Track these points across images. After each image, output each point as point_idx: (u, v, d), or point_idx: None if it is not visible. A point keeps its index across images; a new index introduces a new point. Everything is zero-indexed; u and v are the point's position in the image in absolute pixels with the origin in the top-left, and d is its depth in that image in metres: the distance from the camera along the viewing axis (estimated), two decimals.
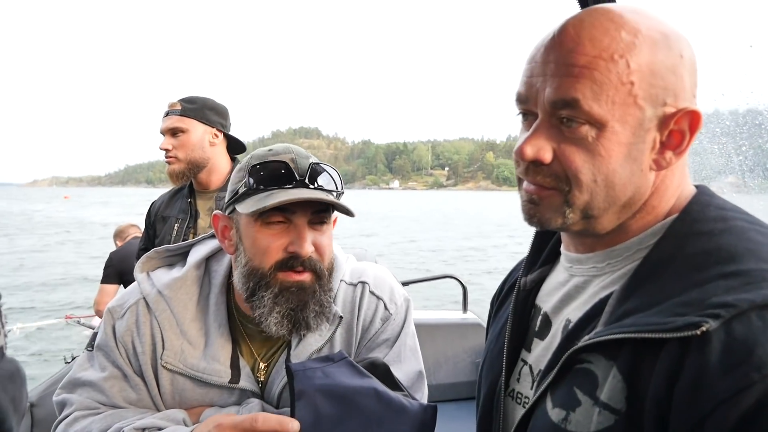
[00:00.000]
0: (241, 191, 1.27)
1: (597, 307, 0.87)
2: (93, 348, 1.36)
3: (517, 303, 1.08)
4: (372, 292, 1.41)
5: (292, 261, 1.24)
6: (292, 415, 1.16)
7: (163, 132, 2.66)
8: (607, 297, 0.86)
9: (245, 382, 1.30)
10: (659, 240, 0.86)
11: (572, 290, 0.97)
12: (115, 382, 1.30)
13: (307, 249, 1.23)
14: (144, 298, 1.35)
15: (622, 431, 0.76)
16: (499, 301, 1.22)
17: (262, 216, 1.24)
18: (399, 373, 1.31)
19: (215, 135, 2.68)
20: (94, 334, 1.39)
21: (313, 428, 1.15)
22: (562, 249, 1.03)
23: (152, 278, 1.39)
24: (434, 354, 3.49)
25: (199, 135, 2.64)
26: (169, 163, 2.65)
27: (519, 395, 1.02)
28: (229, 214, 1.31)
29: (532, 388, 0.99)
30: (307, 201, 1.22)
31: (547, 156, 0.85)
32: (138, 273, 1.41)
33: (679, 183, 0.90)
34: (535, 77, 0.86)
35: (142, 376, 1.31)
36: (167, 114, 2.66)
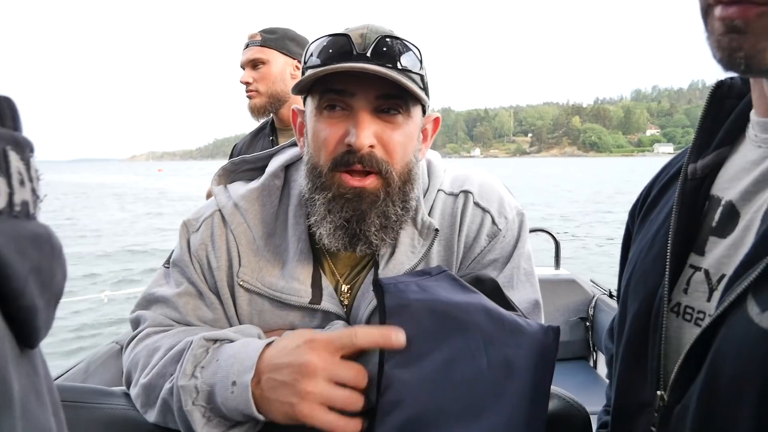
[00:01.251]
0: (301, 72, 1.09)
1: None
2: (169, 264, 1.25)
3: (683, 195, 0.84)
4: (477, 203, 1.19)
5: (348, 156, 1.04)
6: None
7: (243, 65, 2.54)
8: None
9: (327, 303, 1.14)
10: None
11: None
12: (189, 300, 1.18)
13: (363, 140, 1.02)
14: (220, 211, 1.22)
15: None
16: (646, 206, 0.98)
17: (322, 100, 1.06)
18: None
19: (296, 67, 2.54)
20: (172, 252, 1.27)
21: (408, 349, 0.97)
22: (755, 117, 0.79)
23: (229, 190, 1.25)
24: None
25: (280, 66, 2.51)
26: (249, 97, 2.53)
27: (688, 310, 0.80)
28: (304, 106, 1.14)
29: (709, 300, 0.77)
30: (369, 77, 1.00)
31: None
32: (214, 185, 1.28)
33: None
34: None
35: (218, 294, 1.18)
36: (247, 45, 2.53)
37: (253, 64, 2.50)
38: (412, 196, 1.12)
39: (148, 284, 1.26)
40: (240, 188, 1.24)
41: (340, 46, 1.05)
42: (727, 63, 0.67)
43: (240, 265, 1.17)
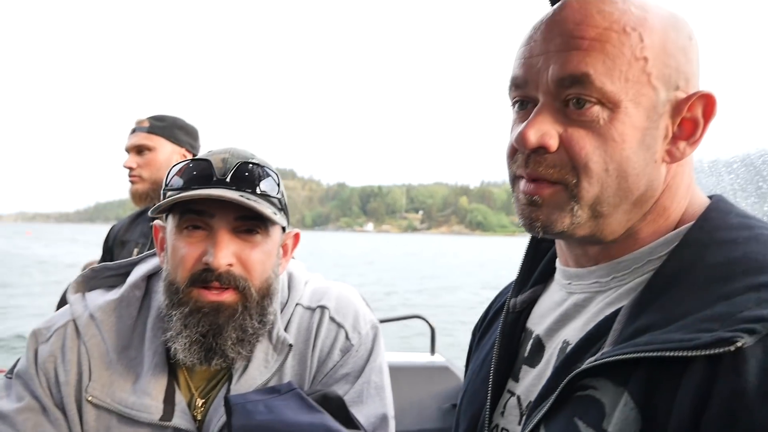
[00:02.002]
0: (162, 192, 1.14)
1: (602, 326, 0.76)
2: (12, 375, 1.19)
3: (505, 326, 0.95)
4: (332, 318, 1.26)
5: (205, 274, 1.09)
6: None
7: (128, 149, 2.52)
8: (614, 314, 0.75)
9: (179, 419, 1.14)
10: (675, 248, 0.76)
11: (570, 309, 0.86)
12: (31, 416, 1.13)
13: (221, 260, 1.07)
14: (74, 321, 1.20)
15: None
16: (483, 327, 1.10)
17: (182, 220, 1.11)
18: (359, 415, 1.17)
19: (183, 156, 2.55)
20: (18, 360, 1.21)
21: None
22: (559, 265, 0.92)
23: (86, 299, 1.23)
24: (399, 399, 3.29)
25: (167, 154, 2.51)
26: (132, 182, 2.51)
27: (504, 431, 0.89)
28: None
29: (519, 423, 0.86)
30: (227, 201, 1.07)
31: (553, 142, 0.75)
32: (71, 293, 1.25)
33: (690, 184, 0.82)
34: (535, 57, 0.77)
35: (64, 410, 1.15)
36: (134, 131, 2.52)
37: (139, 149, 2.49)
38: (270, 310, 1.17)
39: None
40: (98, 298, 1.23)
41: (201, 170, 1.12)
42: (528, 228, 0.81)
43: (90, 379, 1.15)
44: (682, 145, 0.77)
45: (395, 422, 3.37)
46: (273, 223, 1.15)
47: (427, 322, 3.86)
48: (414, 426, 3.30)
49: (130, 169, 2.49)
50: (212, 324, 1.09)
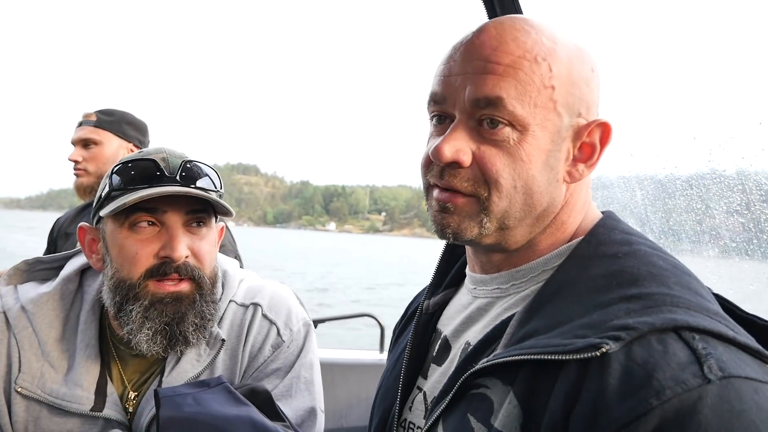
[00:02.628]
0: (104, 195, 1.16)
1: (498, 329, 0.83)
2: None
3: (417, 327, 1.02)
4: (265, 315, 1.30)
5: (164, 267, 1.14)
6: None
7: (74, 142, 2.50)
8: (509, 318, 0.82)
9: (110, 410, 1.16)
10: (564, 261, 0.84)
11: (474, 312, 0.93)
12: None
13: (181, 252, 1.13)
14: (4, 313, 1.21)
15: None
16: (400, 327, 1.16)
17: (129, 219, 1.14)
18: (286, 408, 1.21)
19: (131, 151, 2.54)
20: None
21: None
22: (468, 271, 0.99)
23: (18, 292, 1.24)
24: (348, 396, 3.36)
25: (114, 149, 2.50)
26: (77, 175, 2.49)
27: (411, 425, 0.96)
28: (96, 224, 1.20)
29: (425, 418, 0.93)
30: (177, 197, 1.13)
31: (466, 158, 0.82)
32: (3, 285, 1.26)
33: (586, 201, 0.90)
34: (454, 76, 0.83)
35: None
36: (81, 124, 2.50)
37: (85, 143, 2.48)
38: (217, 296, 1.24)
39: None
40: (30, 291, 1.24)
41: (146, 168, 1.15)
42: (440, 234, 0.88)
43: (20, 371, 1.16)
44: (581, 167, 0.85)
45: (345, 418, 3.42)
46: (212, 215, 1.21)
47: (376, 320, 3.92)
48: (363, 422, 3.35)
49: (76, 162, 2.48)
50: (176, 312, 1.15)
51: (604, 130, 0.84)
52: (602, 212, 0.93)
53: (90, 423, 1.16)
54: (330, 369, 3.25)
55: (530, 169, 0.81)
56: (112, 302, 1.17)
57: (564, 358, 0.69)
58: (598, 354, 0.67)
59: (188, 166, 1.18)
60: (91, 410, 1.15)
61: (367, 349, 4.00)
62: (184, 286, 1.16)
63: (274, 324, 1.30)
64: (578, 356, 0.68)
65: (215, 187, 1.21)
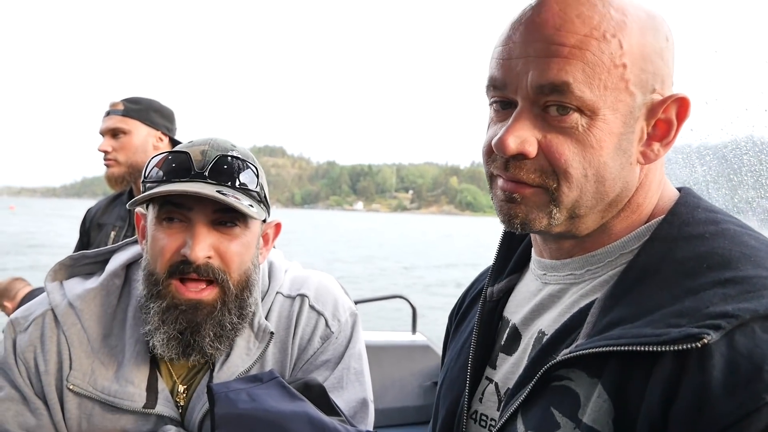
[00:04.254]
0: (141, 184, 1.14)
1: (576, 317, 0.78)
2: None
3: (483, 315, 0.98)
4: (312, 307, 1.27)
5: (183, 266, 1.09)
6: None
7: (103, 132, 2.48)
8: (588, 306, 0.77)
9: (162, 407, 1.15)
10: (645, 243, 0.78)
11: (546, 300, 0.88)
12: (11, 405, 1.14)
13: (198, 252, 1.08)
14: (52, 310, 1.19)
15: None
16: (459, 314, 1.12)
17: (162, 212, 1.11)
18: (339, 400, 1.18)
19: (160, 139, 2.52)
20: None
21: None
22: (534, 255, 0.94)
23: (64, 288, 1.23)
24: (381, 377, 3.37)
25: (143, 137, 2.47)
26: (107, 166, 2.47)
27: (483, 417, 0.91)
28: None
29: (498, 409, 0.89)
30: (195, 196, 1.07)
31: (532, 149, 0.77)
32: (49, 281, 1.24)
33: (661, 180, 0.84)
34: (515, 59, 0.77)
35: (45, 399, 1.15)
36: (108, 113, 2.48)
37: (114, 133, 2.45)
38: (249, 302, 1.18)
39: None
40: (77, 286, 1.22)
41: (179, 162, 1.11)
42: (507, 224, 0.83)
43: (71, 368, 1.15)
44: (656, 146, 0.79)
45: (378, 400, 3.42)
46: (244, 217, 1.14)
47: (408, 302, 3.93)
48: (396, 403, 3.37)
49: (105, 152, 2.46)
50: (190, 322, 1.10)
51: (682, 104, 0.77)
52: (678, 189, 0.86)
53: (143, 419, 1.15)
54: None
55: (601, 156, 0.75)
56: (142, 295, 1.14)
57: (659, 349, 0.64)
58: (699, 345, 0.62)
59: (223, 161, 1.12)
60: (144, 407, 1.14)
61: (400, 330, 4.00)
62: (207, 294, 1.11)
63: (322, 315, 1.27)
64: (675, 347, 0.63)
65: (253, 185, 1.15)
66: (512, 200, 0.80)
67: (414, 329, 3.86)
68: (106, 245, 2.41)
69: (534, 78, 0.74)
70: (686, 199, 0.82)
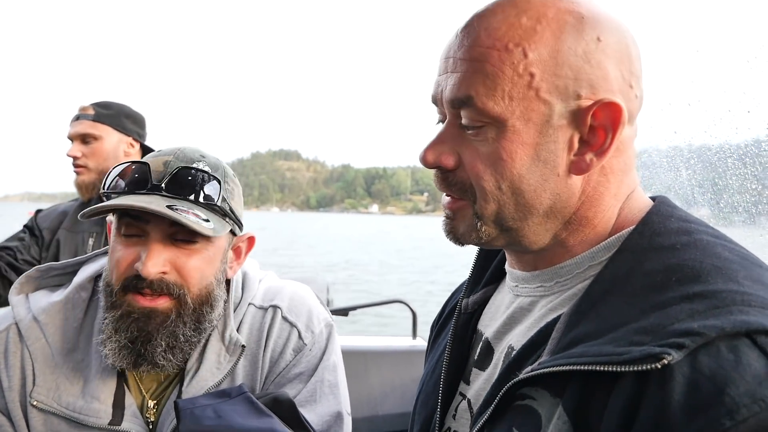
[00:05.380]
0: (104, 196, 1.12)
1: (543, 332, 0.75)
2: None
3: (456, 328, 0.95)
4: (285, 318, 1.24)
5: (136, 281, 1.07)
6: None
7: (72, 137, 2.40)
8: (555, 321, 0.74)
9: (129, 423, 1.13)
10: (614, 255, 0.74)
11: (517, 312, 0.85)
12: None
13: (150, 269, 1.05)
14: (16, 324, 1.17)
15: None
16: (438, 325, 1.08)
17: (120, 225, 1.10)
18: (311, 414, 1.15)
19: (131, 145, 2.45)
20: None
21: None
22: (507, 267, 0.91)
23: (29, 301, 1.21)
24: (381, 383, 3.35)
25: (114, 144, 2.40)
26: (77, 173, 2.39)
27: None
28: None
29: (471, 427, 0.86)
30: (144, 212, 1.04)
31: (450, 162, 0.77)
32: (14, 295, 1.22)
33: (620, 191, 0.79)
34: (440, 76, 0.79)
35: (9, 416, 1.13)
36: (78, 118, 2.40)
37: (83, 138, 2.38)
38: (210, 318, 1.15)
39: None
40: (42, 299, 1.20)
41: (140, 173, 1.09)
42: (447, 238, 0.84)
43: (34, 384, 1.13)
44: (588, 156, 0.74)
45: (380, 406, 3.38)
46: (197, 235, 1.11)
47: (408, 306, 3.90)
48: (397, 409, 3.34)
49: (75, 158, 2.38)
50: (141, 330, 1.08)
51: (611, 109, 0.72)
52: (653, 198, 0.82)
53: None
54: (363, 356, 3.23)
55: (514, 168, 0.73)
56: (102, 306, 1.12)
57: (618, 369, 0.61)
58: (659, 366, 0.58)
59: (184, 173, 1.10)
60: (109, 424, 1.11)
61: (400, 335, 3.98)
62: (160, 303, 1.09)
63: (295, 327, 1.24)
64: (635, 368, 0.60)
65: (215, 199, 1.12)
66: (448, 216, 0.82)
67: (414, 334, 3.84)
68: (85, 252, 2.36)
69: (446, 94, 0.76)
70: (659, 208, 0.78)
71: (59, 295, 1.21)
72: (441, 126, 0.81)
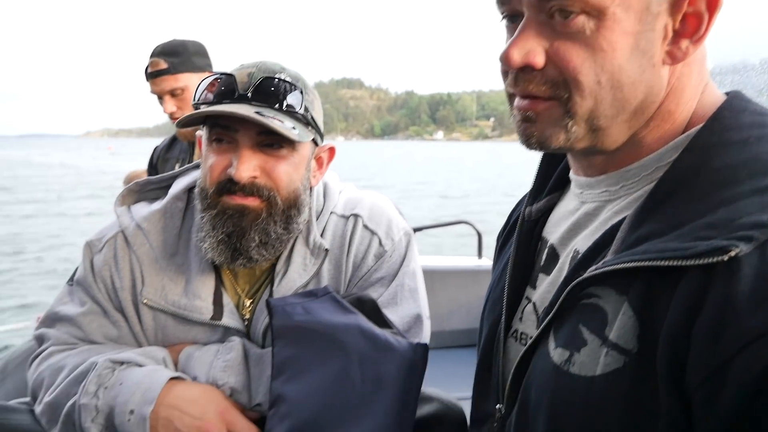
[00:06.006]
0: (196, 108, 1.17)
1: (607, 234, 0.75)
2: (73, 282, 1.31)
3: (521, 235, 0.96)
4: (366, 226, 1.30)
5: (229, 185, 1.14)
6: (273, 354, 1.09)
7: (159, 94, 2.49)
8: (620, 223, 0.74)
9: (228, 319, 1.23)
10: (681, 154, 0.72)
11: (582, 218, 0.85)
12: (95, 318, 1.26)
13: (243, 173, 1.11)
14: (122, 231, 1.29)
15: (632, 374, 0.65)
16: (504, 235, 1.10)
17: (211, 134, 1.16)
18: (393, 316, 1.22)
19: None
20: (77, 268, 1.33)
21: (294, 367, 1.09)
22: (571, 174, 0.91)
23: (132, 211, 1.32)
24: (448, 301, 3.44)
25: (195, 85, 2.50)
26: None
27: (523, 335, 0.92)
28: None
29: (537, 328, 0.88)
30: (236, 117, 1.10)
31: (539, 59, 0.72)
32: (118, 206, 1.33)
33: (699, 82, 0.76)
34: None
35: (123, 312, 1.26)
36: (158, 74, 2.46)
37: (171, 93, 2.47)
38: (297, 220, 1.22)
39: (52, 302, 1.32)
40: (142, 209, 1.31)
41: (226, 85, 1.14)
42: (525, 145, 0.80)
43: (143, 284, 1.25)
44: (684, 43, 0.71)
45: (446, 322, 3.51)
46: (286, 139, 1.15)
47: (473, 227, 3.94)
48: (463, 325, 3.45)
49: (172, 113, 2.48)
50: (236, 226, 1.15)
51: None
52: (726, 93, 0.78)
53: (211, 331, 1.24)
54: (430, 276, 3.35)
55: (615, 59, 0.69)
56: (198, 209, 1.21)
57: (683, 263, 0.60)
58: (726, 258, 0.57)
59: (267, 83, 1.14)
60: (210, 319, 1.23)
61: (466, 255, 4.02)
62: (252, 201, 1.15)
63: (376, 234, 1.30)
64: (701, 261, 0.59)
65: (298, 107, 1.16)
66: (527, 119, 0.77)
67: (480, 254, 3.88)
68: None
69: None
70: (732, 102, 0.74)
71: (157, 204, 1.31)
72: (508, 25, 0.78)
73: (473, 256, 3.89)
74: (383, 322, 1.17)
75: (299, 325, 1.10)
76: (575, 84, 0.71)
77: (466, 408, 1.25)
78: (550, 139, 0.76)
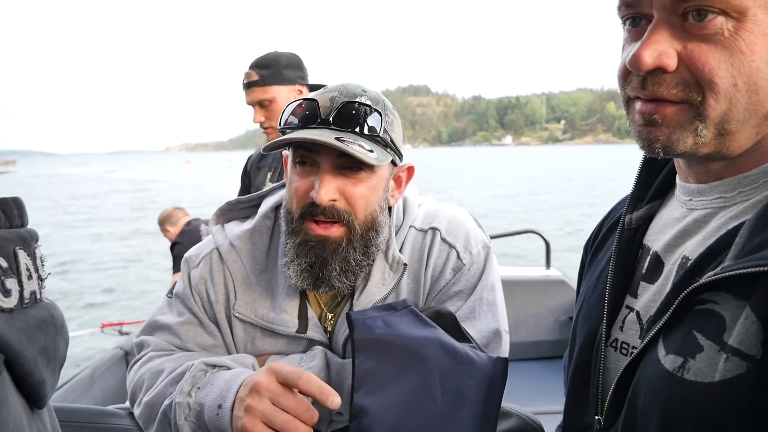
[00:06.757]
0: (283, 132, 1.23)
1: (723, 240, 0.73)
2: (172, 295, 1.40)
3: (621, 243, 0.95)
4: (444, 239, 1.31)
5: (312, 208, 1.18)
6: (354, 366, 1.12)
7: (251, 104, 2.67)
8: (737, 228, 0.72)
9: (312, 332, 1.29)
10: None
11: (691, 225, 0.84)
12: (191, 328, 1.34)
13: (323, 196, 1.15)
14: (217, 249, 1.37)
15: (755, 380, 0.64)
16: (596, 244, 1.09)
17: (296, 156, 1.21)
18: (472, 330, 1.22)
19: (299, 91, 2.68)
20: (176, 282, 1.42)
21: (375, 380, 1.10)
22: (678, 181, 0.89)
23: (225, 230, 1.40)
24: (515, 311, 3.38)
25: (285, 97, 2.63)
26: (267, 133, 2.68)
27: (624, 345, 0.90)
28: None
29: (640, 337, 0.87)
30: (316, 143, 1.14)
31: (672, 61, 0.72)
32: (213, 225, 1.43)
33: None
34: None
35: (217, 323, 1.34)
36: (249, 86, 2.64)
37: (260, 104, 2.64)
38: (376, 242, 1.25)
39: (153, 312, 1.42)
40: (235, 228, 1.39)
41: (309, 110, 1.20)
42: (647, 149, 0.79)
43: (236, 298, 1.32)
44: None
45: (513, 334, 3.46)
46: (363, 164, 1.18)
47: (541, 236, 3.85)
48: (531, 337, 3.37)
49: (261, 123, 2.66)
50: (318, 257, 1.20)
51: None
52: None
53: (296, 343, 1.30)
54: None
55: (753, 61, 0.68)
56: (283, 231, 1.27)
57: None
58: None
59: (348, 107, 1.18)
60: (296, 332, 1.29)
61: (533, 265, 3.93)
62: (333, 231, 1.20)
63: (454, 247, 1.30)
64: None
65: (378, 131, 1.19)
66: (652, 123, 0.75)
67: (548, 264, 3.79)
68: (264, 185, 2.68)
69: None
70: None
71: (248, 224, 1.38)
72: (629, 28, 0.77)
73: (541, 266, 3.81)
74: (462, 335, 1.17)
75: (380, 338, 1.12)
76: (710, 87, 0.70)
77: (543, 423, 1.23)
78: (676, 144, 0.75)
